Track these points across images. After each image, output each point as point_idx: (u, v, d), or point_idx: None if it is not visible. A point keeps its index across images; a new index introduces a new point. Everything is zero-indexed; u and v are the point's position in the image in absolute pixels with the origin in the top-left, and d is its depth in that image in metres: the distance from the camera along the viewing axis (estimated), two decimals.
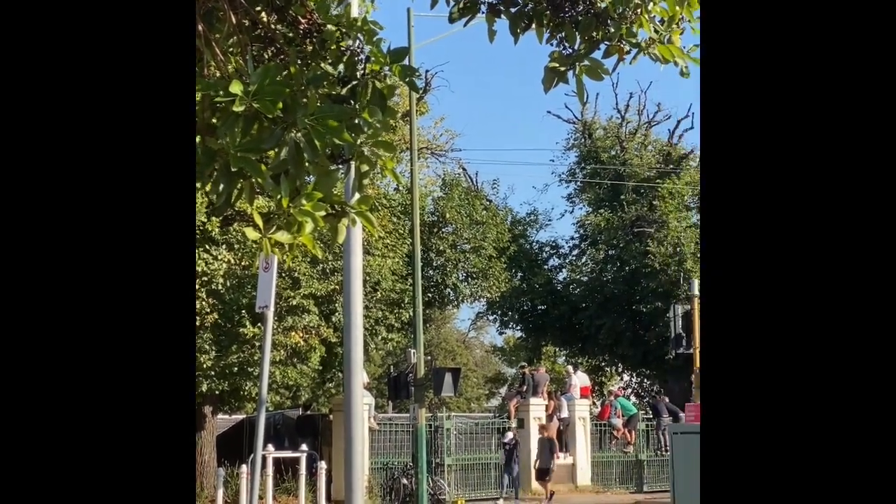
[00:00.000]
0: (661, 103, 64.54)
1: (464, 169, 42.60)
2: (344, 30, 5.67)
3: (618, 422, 32.30)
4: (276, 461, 23.66)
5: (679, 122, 45.81)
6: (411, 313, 27.42)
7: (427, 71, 35.08)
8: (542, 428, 28.14)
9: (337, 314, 26.37)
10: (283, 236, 4.97)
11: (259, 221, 4.90)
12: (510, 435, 27.77)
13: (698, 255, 39.00)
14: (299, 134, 4.68)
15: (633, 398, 40.49)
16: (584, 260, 44.89)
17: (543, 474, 27.38)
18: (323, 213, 5.01)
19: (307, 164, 4.85)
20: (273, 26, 5.87)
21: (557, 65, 5.39)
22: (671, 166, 43.28)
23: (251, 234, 4.89)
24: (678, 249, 39.51)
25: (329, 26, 5.67)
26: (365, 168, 5.21)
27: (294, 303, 25.93)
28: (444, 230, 33.98)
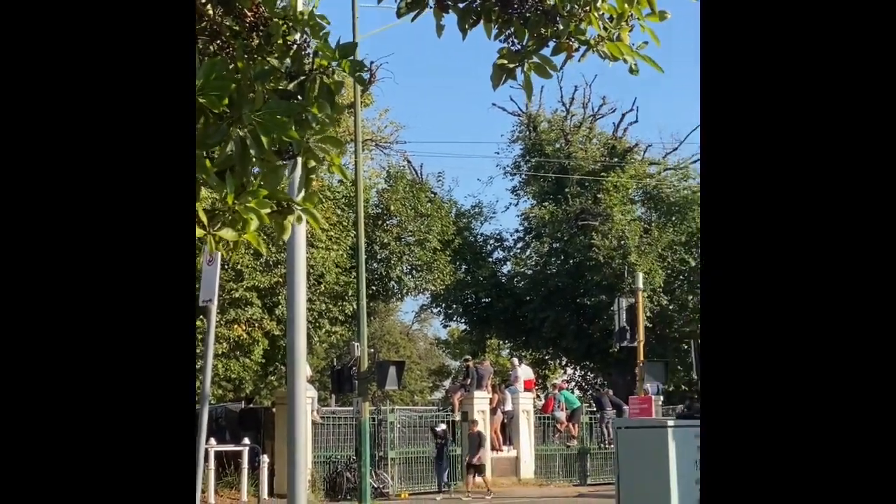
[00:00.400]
0: (606, 97, 64.86)
1: (408, 161, 42.62)
2: (290, 24, 5.63)
3: (561, 415, 32.45)
4: (218, 455, 23.55)
5: (624, 115, 46.02)
6: (355, 306, 27.36)
7: (372, 62, 35.01)
8: (473, 423, 28.21)
9: (280, 307, 26.30)
10: (228, 233, 4.92)
11: (204, 218, 4.85)
12: (442, 426, 27.76)
13: (642, 249, 39.30)
14: (245, 130, 4.64)
15: (576, 391, 40.73)
16: (528, 253, 45.07)
17: (474, 469, 27.49)
18: (268, 210, 4.97)
19: (253, 160, 4.80)
20: (219, 19, 5.81)
21: (506, 61, 5.38)
22: (616, 159, 43.51)
23: (196, 231, 4.83)
24: (622, 242, 39.74)
25: (275, 20, 5.62)
26: (312, 164, 5.18)
27: (237, 295, 25.81)
28: (388, 222, 33.97)
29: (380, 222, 33.71)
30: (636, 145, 45.91)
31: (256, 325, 26.51)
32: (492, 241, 45.58)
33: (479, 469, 27.60)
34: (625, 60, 5.36)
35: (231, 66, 5.03)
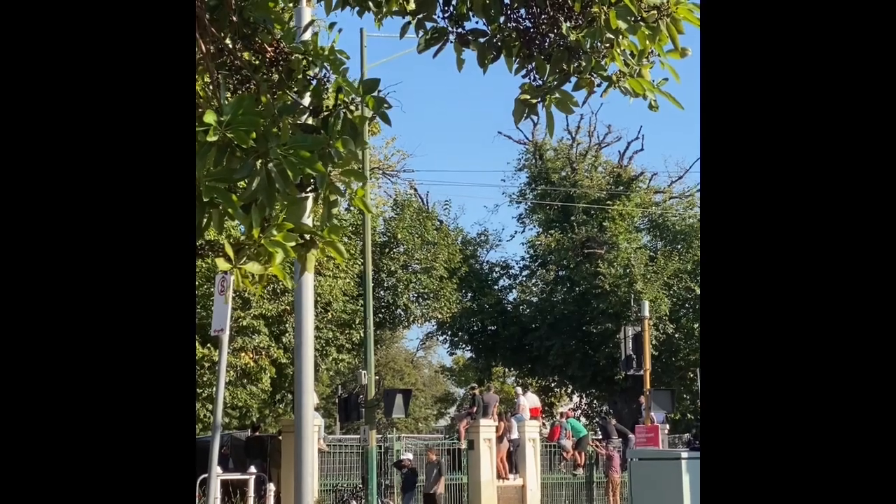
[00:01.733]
0: (612, 125, 65.06)
1: (415, 189, 42.69)
2: (310, 59, 5.69)
3: (567, 443, 32.33)
4: (224, 483, 23.46)
5: (629, 144, 46.10)
6: (362, 334, 27.36)
7: (380, 91, 35.12)
8: (430, 451, 27.84)
9: (287, 335, 26.31)
10: (254, 267, 4.96)
11: (230, 252, 4.89)
12: (408, 456, 27.28)
13: (648, 277, 39.28)
14: (271, 164, 4.68)
15: (582, 419, 40.60)
16: (534, 281, 45.00)
17: (430, 499, 26.80)
18: (293, 243, 5.01)
19: (278, 193, 4.84)
20: (239, 54, 5.87)
21: (528, 97, 5.43)
22: (621, 188, 43.56)
23: (222, 264, 4.87)
24: (628, 270, 39.74)
25: (296, 55, 5.68)
26: (334, 197, 5.22)
27: (244, 323, 25.83)
28: (395, 251, 34.04)
29: (387, 250, 33.80)
30: (642, 174, 46.00)
31: (264, 352, 26.52)
32: (498, 269, 45.56)
33: (435, 500, 26.84)
34: (645, 97, 5.41)
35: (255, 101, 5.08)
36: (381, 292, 33.23)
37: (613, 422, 34.31)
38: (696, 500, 11.93)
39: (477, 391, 31.54)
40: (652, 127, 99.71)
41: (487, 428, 29.54)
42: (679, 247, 42.52)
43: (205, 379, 24.06)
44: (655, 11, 5.24)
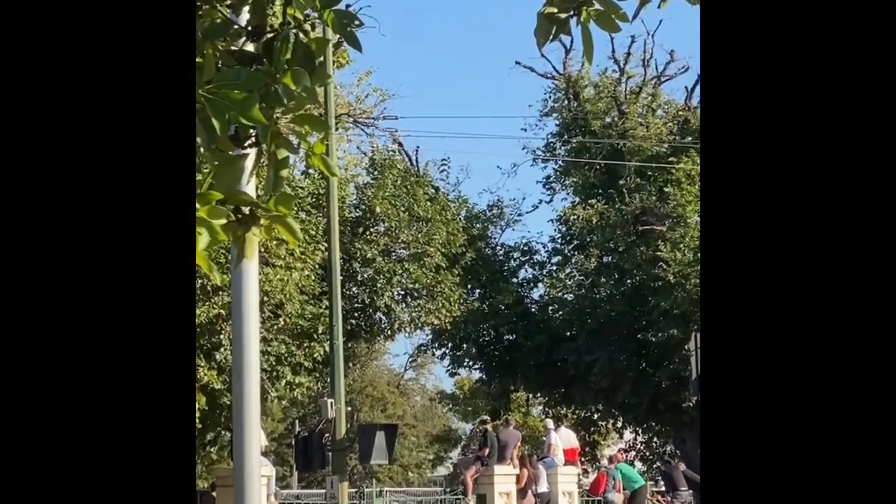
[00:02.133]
0: (675, 50, 65.02)
1: (399, 144, 42.68)
2: None
3: (618, 497, 32.48)
4: None
5: (699, 77, 46.04)
6: (327, 348, 27.39)
7: (348, 6, 35.13)
8: None
9: (223, 349, 26.34)
10: None
11: None
12: None
13: None
14: None
15: (637, 464, 40.74)
16: (568, 270, 45.07)
17: None
18: (224, 219, 4.96)
19: (201, 150, 4.83)
20: None
21: (556, 10, 5.38)
22: (689, 139, 43.50)
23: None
24: (699, 255, 39.73)
25: None
26: (283, 155, 5.18)
27: None
28: (373, 230, 34.02)
29: (361, 230, 33.79)
30: None
31: None
32: (517, 255, 45.61)
33: None
34: None
35: None
36: (354, 289, 33.26)
37: (682, 467, 34.45)
38: None
39: (489, 426, 31.67)
40: None
41: (505, 477, 29.65)
42: None
43: None
44: None
